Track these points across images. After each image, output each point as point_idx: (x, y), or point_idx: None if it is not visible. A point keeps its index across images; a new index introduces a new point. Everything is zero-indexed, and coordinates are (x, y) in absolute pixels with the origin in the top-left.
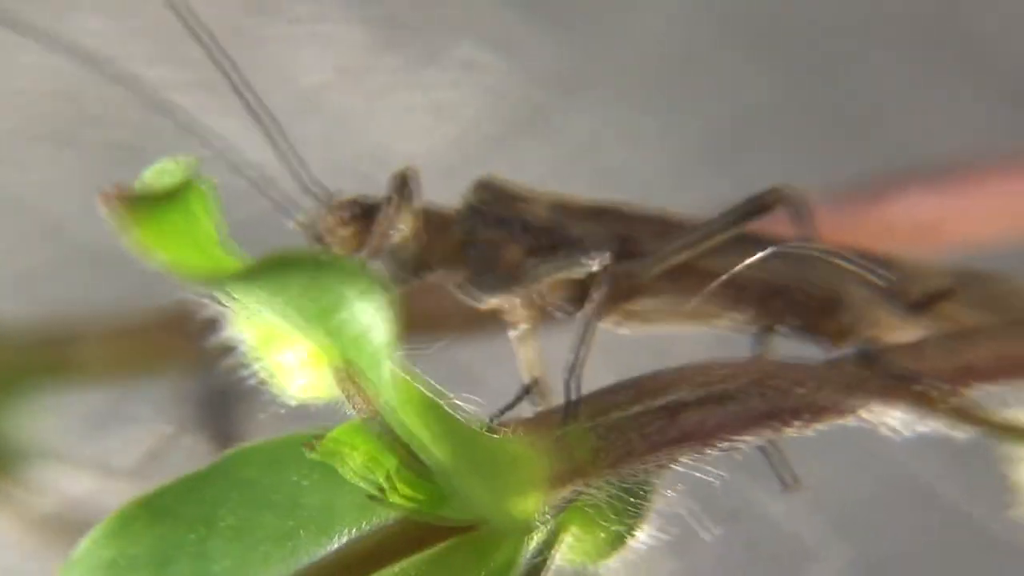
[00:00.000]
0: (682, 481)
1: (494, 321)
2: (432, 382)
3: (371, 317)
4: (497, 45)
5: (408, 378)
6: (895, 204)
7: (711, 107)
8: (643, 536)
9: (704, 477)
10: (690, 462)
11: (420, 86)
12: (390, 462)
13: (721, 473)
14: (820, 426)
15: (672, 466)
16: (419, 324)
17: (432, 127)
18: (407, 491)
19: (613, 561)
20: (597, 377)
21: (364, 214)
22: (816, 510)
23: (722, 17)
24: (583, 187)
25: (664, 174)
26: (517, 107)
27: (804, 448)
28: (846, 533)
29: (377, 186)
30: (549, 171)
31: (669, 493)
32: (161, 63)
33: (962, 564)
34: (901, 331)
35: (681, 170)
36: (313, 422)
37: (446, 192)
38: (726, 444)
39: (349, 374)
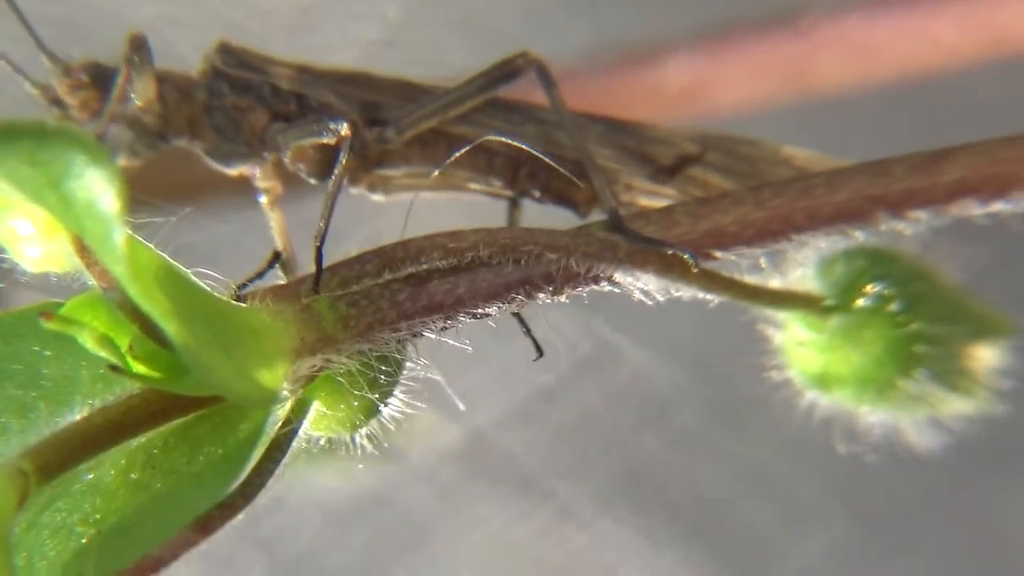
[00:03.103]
0: None
1: (243, 187)
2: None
3: (99, 186)
4: None
5: (144, 246)
6: (662, 67)
7: None
8: (397, 404)
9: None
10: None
11: None
12: (130, 332)
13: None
14: (572, 292)
15: (425, 333)
16: (166, 191)
17: None
18: (147, 362)
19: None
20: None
21: (100, 78)
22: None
23: None
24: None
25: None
26: None
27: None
28: None
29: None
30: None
31: (422, 361)
32: None
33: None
34: (652, 197)
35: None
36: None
37: None
38: (479, 311)
39: (84, 244)
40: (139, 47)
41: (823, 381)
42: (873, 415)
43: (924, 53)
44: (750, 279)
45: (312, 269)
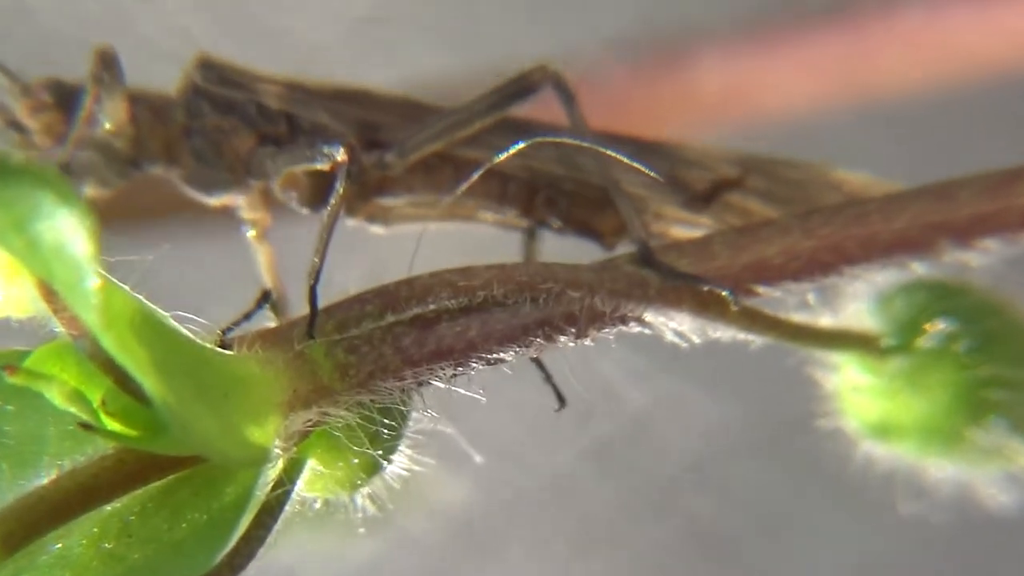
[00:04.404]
0: None
1: (226, 220)
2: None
3: (69, 228)
4: None
5: (119, 290)
6: (699, 66)
7: None
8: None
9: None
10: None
11: None
12: (102, 386)
13: None
14: (597, 333)
15: (433, 382)
16: (138, 225)
17: None
18: (122, 419)
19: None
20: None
21: (65, 98)
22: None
23: None
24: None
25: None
26: None
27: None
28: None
29: None
30: None
31: (431, 413)
32: None
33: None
34: (686, 227)
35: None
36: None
37: None
38: (493, 356)
39: (52, 288)
40: (108, 63)
41: (882, 431)
42: (939, 470)
43: (1001, 48)
44: (797, 317)
45: (305, 311)
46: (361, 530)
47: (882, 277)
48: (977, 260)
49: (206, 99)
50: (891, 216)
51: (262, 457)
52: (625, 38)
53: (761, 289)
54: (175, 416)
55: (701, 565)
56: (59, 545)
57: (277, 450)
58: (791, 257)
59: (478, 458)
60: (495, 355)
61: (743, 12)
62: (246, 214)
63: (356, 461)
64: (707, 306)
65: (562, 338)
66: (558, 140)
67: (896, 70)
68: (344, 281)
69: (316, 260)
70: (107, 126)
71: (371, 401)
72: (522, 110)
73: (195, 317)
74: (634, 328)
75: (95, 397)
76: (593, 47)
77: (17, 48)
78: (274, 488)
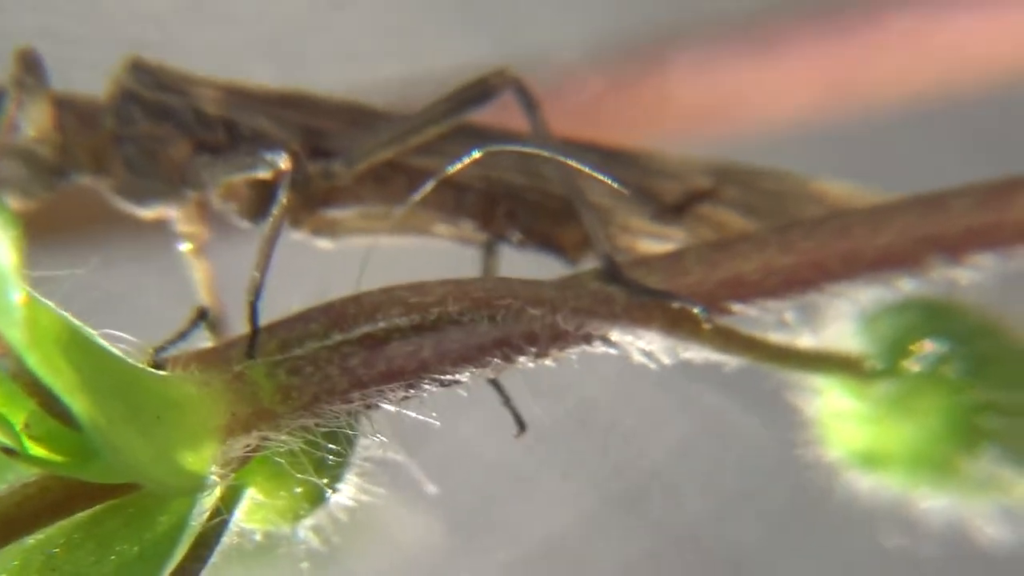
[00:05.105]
0: None
1: (160, 233)
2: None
3: None
4: None
5: (44, 306)
6: (676, 71)
7: None
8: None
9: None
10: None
11: None
12: (26, 408)
13: None
14: (560, 353)
15: (383, 405)
16: (66, 238)
17: None
18: (48, 444)
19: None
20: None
21: None
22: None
23: None
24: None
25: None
26: None
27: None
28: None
29: None
30: None
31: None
32: None
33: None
34: (656, 240)
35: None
36: None
37: None
38: (447, 378)
39: None
40: (31, 65)
41: (868, 459)
42: (928, 501)
43: (1004, 55)
44: (776, 337)
45: (246, 329)
46: (304, 565)
47: (867, 295)
48: (969, 277)
49: (138, 104)
50: (876, 229)
51: (197, 485)
52: (599, 42)
53: (736, 307)
54: (104, 441)
55: None
56: None
57: (214, 477)
58: (769, 273)
59: (432, 488)
60: (450, 376)
61: (722, 17)
62: (182, 227)
63: (299, 490)
64: (678, 324)
65: (521, 358)
66: (516, 149)
67: (882, 78)
68: (287, 298)
69: (256, 275)
70: (30, 133)
71: (316, 425)
72: (482, 116)
73: (126, 336)
74: (599, 348)
75: (18, 420)
76: (565, 52)
77: None
78: (210, 518)
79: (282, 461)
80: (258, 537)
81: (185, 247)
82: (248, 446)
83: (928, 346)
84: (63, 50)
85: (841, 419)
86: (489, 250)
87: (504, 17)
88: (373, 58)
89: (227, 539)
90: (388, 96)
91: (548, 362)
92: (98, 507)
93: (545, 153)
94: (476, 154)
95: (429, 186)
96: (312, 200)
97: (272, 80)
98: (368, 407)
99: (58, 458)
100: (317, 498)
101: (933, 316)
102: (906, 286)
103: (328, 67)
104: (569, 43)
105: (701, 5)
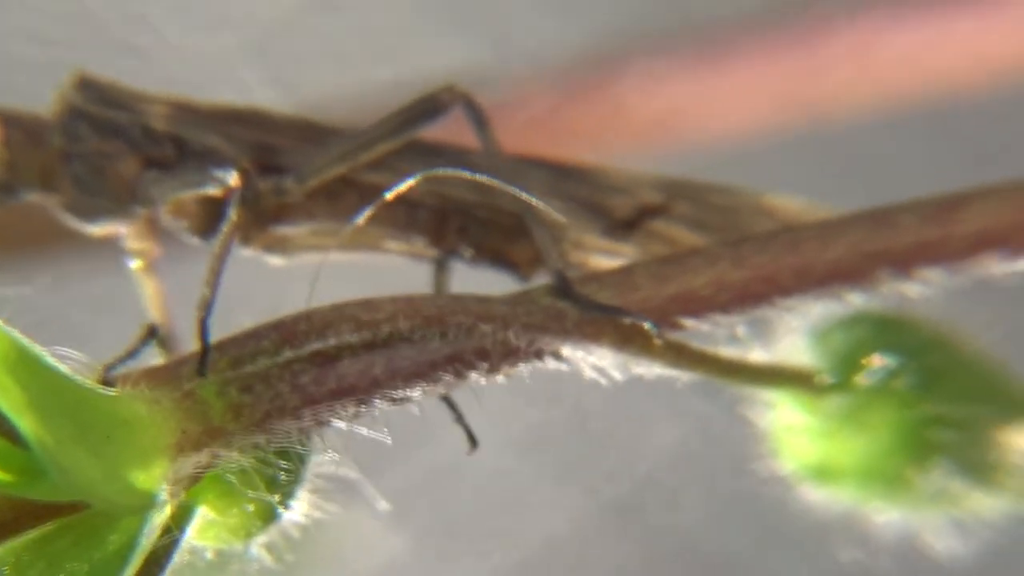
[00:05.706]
0: None
1: (109, 250)
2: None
3: None
4: None
5: None
6: (629, 83)
7: None
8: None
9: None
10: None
11: None
12: None
13: None
14: (511, 369)
15: (334, 422)
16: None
17: None
18: None
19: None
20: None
21: None
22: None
23: None
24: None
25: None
26: None
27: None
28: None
29: None
30: None
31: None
32: None
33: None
34: (607, 256)
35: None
36: None
37: None
38: (399, 395)
39: None
40: None
41: (820, 473)
42: (881, 514)
43: (951, 68)
44: (727, 352)
45: (196, 346)
46: None
47: (818, 309)
48: (918, 291)
49: (86, 121)
50: (827, 244)
51: (148, 503)
52: (551, 55)
53: (688, 322)
54: (53, 459)
55: None
56: None
57: (164, 495)
58: (720, 288)
59: (383, 504)
60: (401, 393)
61: (672, 30)
62: (131, 244)
63: (251, 508)
64: (629, 340)
65: (473, 374)
66: (461, 175)
67: (832, 91)
68: (238, 315)
69: (206, 292)
70: None
71: (267, 443)
72: (433, 132)
73: (75, 354)
74: (550, 363)
75: None
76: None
77: None
78: (161, 536)
79: (233, 479)
80: (210, 555)
81: (135, 264)
82: (199, 464)
83: (879, 360)
84: (50, 53)
85: (794, 433)
86: (441, 266)
87: (465, 28)
88: (365, 61)
89: (178, 557)
90: (372, 101)
91: (499, 378)
92: (47, 526)
93: (491, 181)
94: (418, 176)
95: (374, 207)
96: (263, 217)
97: (262, 82)
98: (319, 424)
99: (6, 477)
100: (269, 515)
101: (884, 330)
102: (856, 300)
103: (318, 70)
104: (522, 56)
105: (652, 19)
